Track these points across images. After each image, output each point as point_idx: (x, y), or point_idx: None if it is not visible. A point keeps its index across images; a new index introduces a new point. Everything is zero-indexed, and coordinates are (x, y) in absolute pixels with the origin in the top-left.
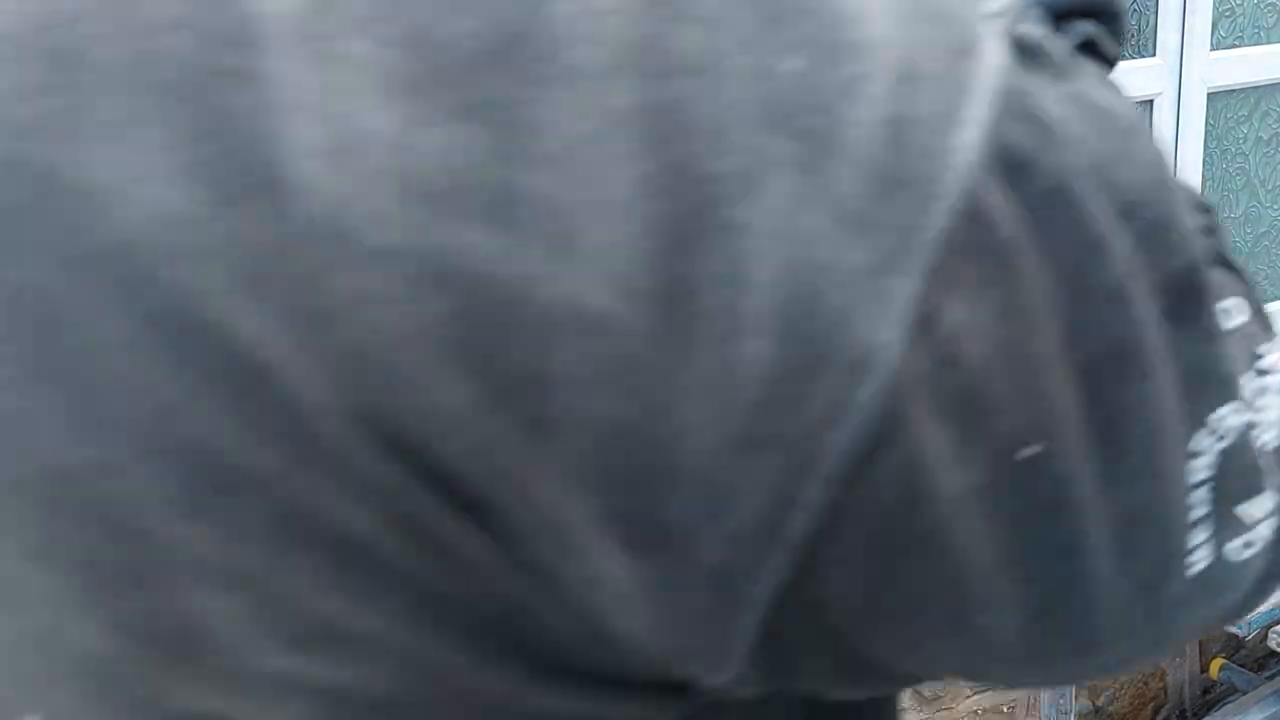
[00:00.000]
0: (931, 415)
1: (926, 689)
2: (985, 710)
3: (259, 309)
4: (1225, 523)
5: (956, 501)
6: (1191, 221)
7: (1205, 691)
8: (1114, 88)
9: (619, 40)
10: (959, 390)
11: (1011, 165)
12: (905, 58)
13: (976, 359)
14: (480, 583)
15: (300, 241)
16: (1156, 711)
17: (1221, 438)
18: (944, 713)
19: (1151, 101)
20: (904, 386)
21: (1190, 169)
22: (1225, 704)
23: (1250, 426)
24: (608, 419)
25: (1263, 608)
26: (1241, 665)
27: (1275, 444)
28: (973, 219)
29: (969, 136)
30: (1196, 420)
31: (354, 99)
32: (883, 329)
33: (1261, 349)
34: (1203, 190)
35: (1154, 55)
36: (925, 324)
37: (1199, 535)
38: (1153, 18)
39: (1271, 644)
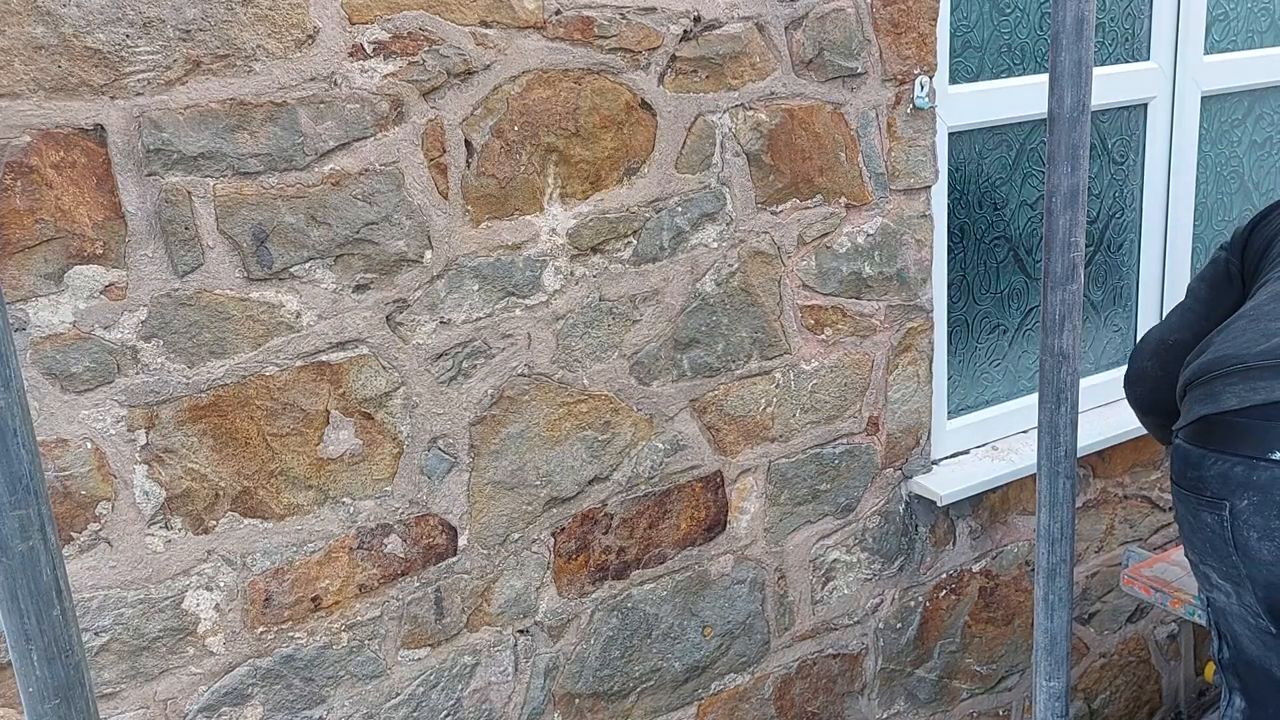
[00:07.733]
0: None
1: (921, 692)
2: (981, 714)
3: None
4: None
5: None
6: None
7: (1200, 694)
8: None
9: None
10: None
11: None
12: None
13: None
14: None
15: None
16: (1151, 714)
17: None
18: (939, 715)
19: (1146, 105)
20: None
21: (1185, 172)
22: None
23: None
24: None
25: None
26: None
27: None
28: None
29: None
30: None
31: None
32: None
33: None
34: (1196, 193)
35: (1148, 59)
36: None
37: None
38: (1147, 22)
39: None
